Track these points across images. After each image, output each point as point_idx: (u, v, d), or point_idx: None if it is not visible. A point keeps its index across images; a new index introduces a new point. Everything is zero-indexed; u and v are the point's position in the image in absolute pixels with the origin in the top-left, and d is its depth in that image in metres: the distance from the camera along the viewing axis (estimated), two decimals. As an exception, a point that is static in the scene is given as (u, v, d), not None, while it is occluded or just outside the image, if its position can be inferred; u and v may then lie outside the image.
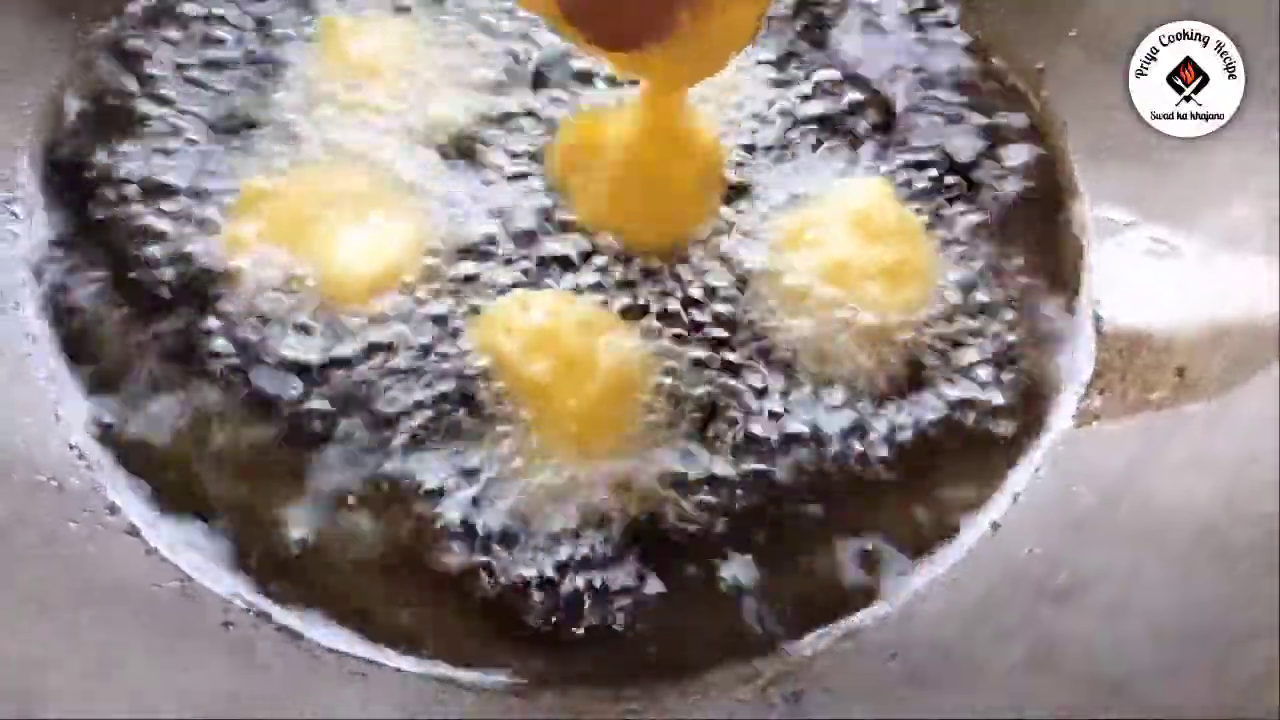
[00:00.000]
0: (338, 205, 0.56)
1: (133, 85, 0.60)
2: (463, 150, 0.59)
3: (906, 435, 0.54)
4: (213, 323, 0.54)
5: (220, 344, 0.54)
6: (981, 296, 0.58)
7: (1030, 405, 0.56)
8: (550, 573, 0.50)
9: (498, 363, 0.53)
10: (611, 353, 0.53)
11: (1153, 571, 0.48)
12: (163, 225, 0.56)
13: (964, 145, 0.62)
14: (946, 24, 0.66)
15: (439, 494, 0.51)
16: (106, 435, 0.52)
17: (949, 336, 0.57)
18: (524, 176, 0.58)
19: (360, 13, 0.62)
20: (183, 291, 0.55)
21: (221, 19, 0.62)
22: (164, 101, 0.59)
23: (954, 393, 0.56)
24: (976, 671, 0.48)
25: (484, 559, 0.50)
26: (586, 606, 0.50)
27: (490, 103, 0.60)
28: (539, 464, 0.52)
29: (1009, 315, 0.58)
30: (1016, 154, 0.63)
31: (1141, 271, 0.59)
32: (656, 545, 0.51)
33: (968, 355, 0.57)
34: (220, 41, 0.61)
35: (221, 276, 0.55)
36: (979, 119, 0.63)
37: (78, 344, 0.54)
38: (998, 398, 0.56)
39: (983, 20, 0.66)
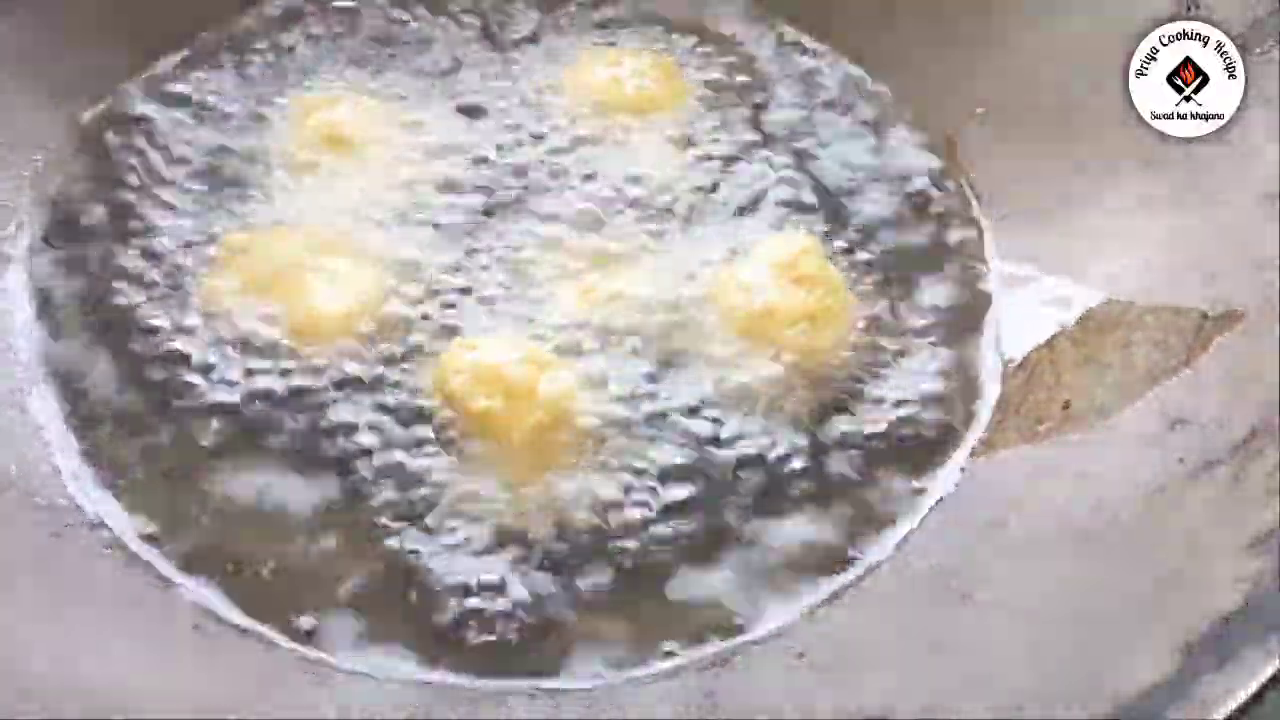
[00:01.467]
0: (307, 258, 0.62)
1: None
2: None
3: (823, 460, 0.59)
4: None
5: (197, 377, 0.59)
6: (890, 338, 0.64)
7: (937, 437, 0.61)
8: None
9: (447, 400, 0.58)
10: (548, 389, 0.58)
11: (1033, 574, 0.53)
12: (149, 273, 0.62)
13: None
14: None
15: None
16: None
17: (863, 373, 0.62)
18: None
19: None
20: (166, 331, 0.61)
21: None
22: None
23: (868, 426, 0.61)
24: (877, 664, 0.52)
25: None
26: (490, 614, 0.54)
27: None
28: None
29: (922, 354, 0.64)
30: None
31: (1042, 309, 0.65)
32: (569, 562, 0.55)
33: (878, 390, 0.62)
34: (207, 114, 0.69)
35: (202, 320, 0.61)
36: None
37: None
38: (908, 429, 0.61)
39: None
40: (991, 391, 0.63)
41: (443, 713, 0.51)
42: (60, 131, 0.67)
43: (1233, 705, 0.40)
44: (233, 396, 0.59)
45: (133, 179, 0.66)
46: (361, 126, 0.67)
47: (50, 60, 0.68)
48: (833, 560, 0.57)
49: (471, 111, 0.70)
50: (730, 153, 0.69)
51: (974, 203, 0.69)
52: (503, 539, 0.55)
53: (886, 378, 0.62)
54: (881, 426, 0.61)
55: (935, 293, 0.66)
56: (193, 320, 0.61)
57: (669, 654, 0.53)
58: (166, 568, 0.54)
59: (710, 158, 0.69)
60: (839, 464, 0.59)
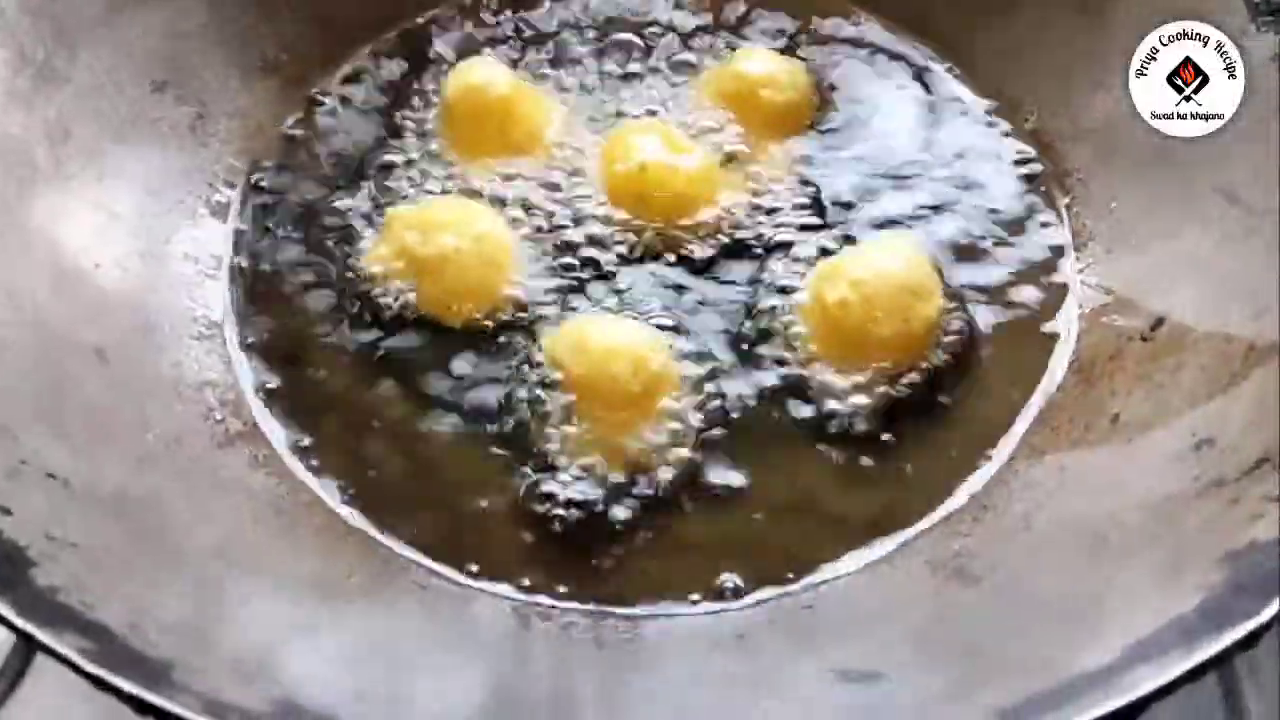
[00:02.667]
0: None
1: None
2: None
3: (882, 442, 0.66)
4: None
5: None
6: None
7: (985, 433, 0.67)
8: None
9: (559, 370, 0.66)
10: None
11: (1041, 564, 0.59)
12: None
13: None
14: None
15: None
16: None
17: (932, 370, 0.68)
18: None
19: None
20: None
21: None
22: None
23: (928, 421, 0.66)
24: (882, 629, 0.59)
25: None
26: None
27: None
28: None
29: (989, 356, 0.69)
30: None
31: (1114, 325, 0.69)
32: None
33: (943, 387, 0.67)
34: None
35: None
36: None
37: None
38: (963, 425, 0.67)
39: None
40: (1051, 398, 0.68)
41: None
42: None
43: (1145, 690, 0.45)
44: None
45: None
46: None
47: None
48: (866, 535, 0.63)
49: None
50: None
51: (1064, 216, 0.73)
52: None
53: (952, 376, 0.68)
54: (940, 423, 0.66)
55: (1014, 297, 0.71)
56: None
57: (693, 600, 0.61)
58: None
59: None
60: (893, 448, 0.65)
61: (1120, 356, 0.67)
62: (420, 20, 0.83)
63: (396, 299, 0.70)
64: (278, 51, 0.79)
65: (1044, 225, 0.74)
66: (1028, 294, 0.71)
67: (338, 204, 0.74)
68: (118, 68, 0.74)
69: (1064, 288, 0.71)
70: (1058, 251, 0.72)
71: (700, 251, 0.71)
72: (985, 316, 0.70)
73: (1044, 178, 0.75)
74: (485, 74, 0.76)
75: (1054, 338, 0.70)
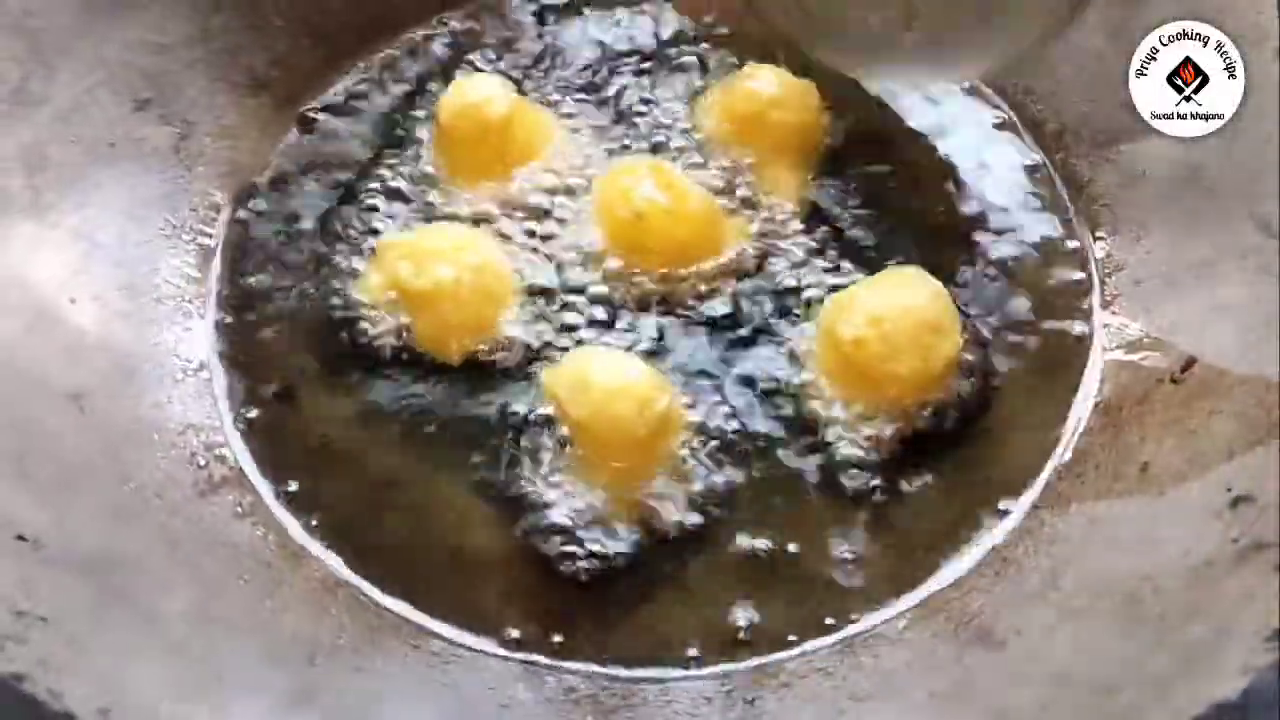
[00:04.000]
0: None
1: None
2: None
3: (895, 488, 0.62)
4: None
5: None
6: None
7: (1007, 480, 0.63)
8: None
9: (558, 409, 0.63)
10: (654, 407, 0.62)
11: (1071, 631, 0.56)
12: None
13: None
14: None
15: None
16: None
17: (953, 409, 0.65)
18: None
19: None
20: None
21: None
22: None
23: (946, 462, 0.63)
24: (902, 694, 0.56)
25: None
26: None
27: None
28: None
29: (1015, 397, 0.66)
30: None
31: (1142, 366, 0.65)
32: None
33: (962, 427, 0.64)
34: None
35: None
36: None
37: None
38: (983, 470, 0.64)
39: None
40: (1076, 443, 0.64)
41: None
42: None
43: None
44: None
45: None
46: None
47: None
48: (884, 590, 0.60)
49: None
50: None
51: (1092, 253, 0.70)
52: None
53: (972, 418, 0.64)
54: (959, 468, 0.63)
55: (1037, 333, 0.68)
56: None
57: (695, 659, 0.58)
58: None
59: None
60: (910, 495, 0.62)
61: (1149, 400, 0.64)
62: (415, 35, 0.79)
63: (389, 333, 0.66)
64: (266, 67, 0.76)
65: (1068, 256, 0.70)
66: (1051, 330, 0.68)
67: (328, 230, 0.71)
68: (98, 85, 0.70)
69: (1089, 324, 0.68)
70: (1083, 285, 0.69)
71: (705, 304, 0.68)
72: (1007, 353, 0.67)
73: (1068, 206, 0.72)
74: (483, 91, 0.72)
75: (1079, 378, 0.66)
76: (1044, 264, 0.70)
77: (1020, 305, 0.69)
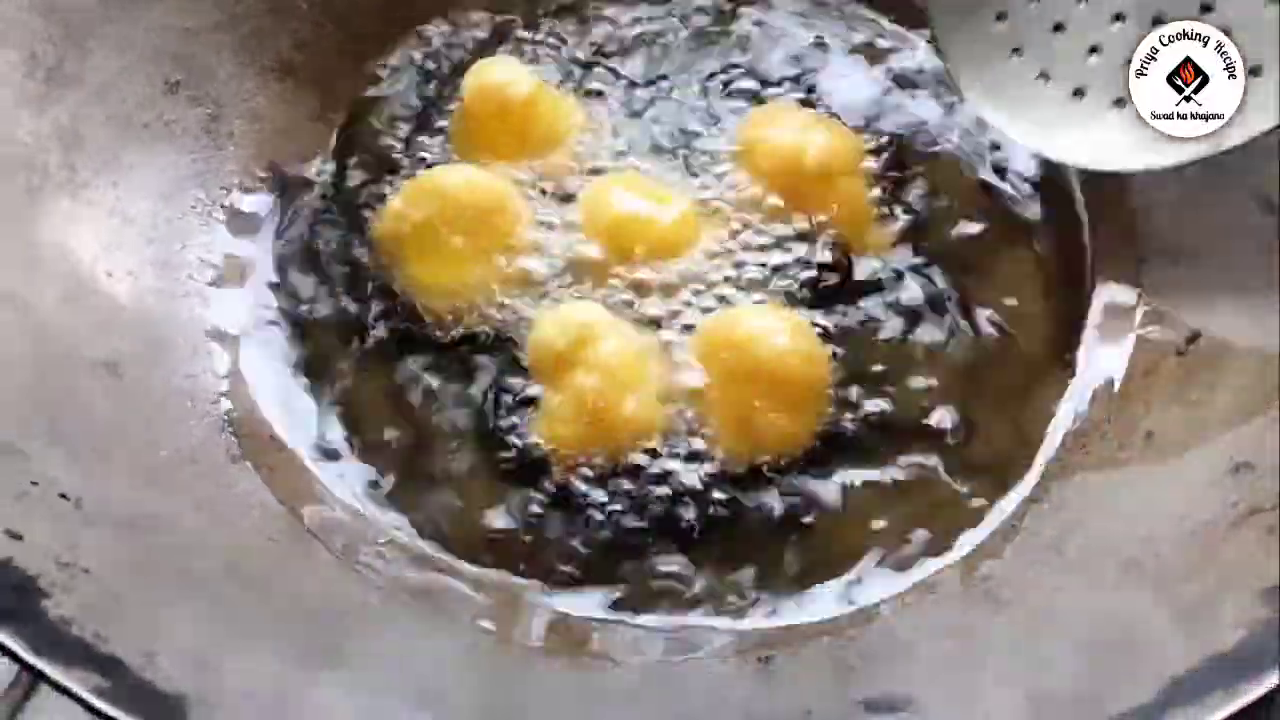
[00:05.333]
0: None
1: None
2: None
3: (902, 459, 0.64)
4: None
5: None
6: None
7: (1015, 449, 0.65)
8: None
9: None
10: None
11: (1073, 593, 0.57)
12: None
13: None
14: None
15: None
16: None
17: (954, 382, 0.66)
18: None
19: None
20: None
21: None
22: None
23: (950, 436, 0.65)
24: (910, 654, 0.58)
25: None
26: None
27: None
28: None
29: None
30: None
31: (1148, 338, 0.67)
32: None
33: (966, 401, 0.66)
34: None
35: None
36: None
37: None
38: (991, 440, 0.65)
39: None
40: (1082, 413, 0.66)
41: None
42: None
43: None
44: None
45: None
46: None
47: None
48: (900, 559, 0.62)
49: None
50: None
51: (1085, 221, 0.72)
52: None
53: (976, 388, 0.66)
54: (964, 436, 0.65)
55: (1046, 308, 0.69)
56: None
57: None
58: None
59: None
60: (918, 464, 0.64)
61: (1155, 372, 0.66)
62: (441, 19, 0.80)
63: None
64: (292, 51, 0.78)
65: (1071, 229, 0.72)
66: (1059, 302, 0.69)
67: (358, 208, 0.73)
68: (130, 67, 0.72)
69: (1096, 297, 0.69)
70: (1089, 260, 0.71)
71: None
72: (1015, 326, 0.68)
73: (1072, 177, 0.73)
74: (505, 73, 0.74)
75: (1086, 350, 0.68)
76: (1050, 238, 0.71)
77: (1027, 278, 0.70)
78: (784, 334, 0.64)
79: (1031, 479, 0.64)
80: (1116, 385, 0.66)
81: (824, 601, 0.60)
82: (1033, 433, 0.65)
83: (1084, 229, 0.72)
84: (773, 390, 0.63)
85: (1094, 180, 0.71)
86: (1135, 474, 0.62)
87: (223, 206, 0.73)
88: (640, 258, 0.68)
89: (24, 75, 0.68)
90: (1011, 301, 0.69)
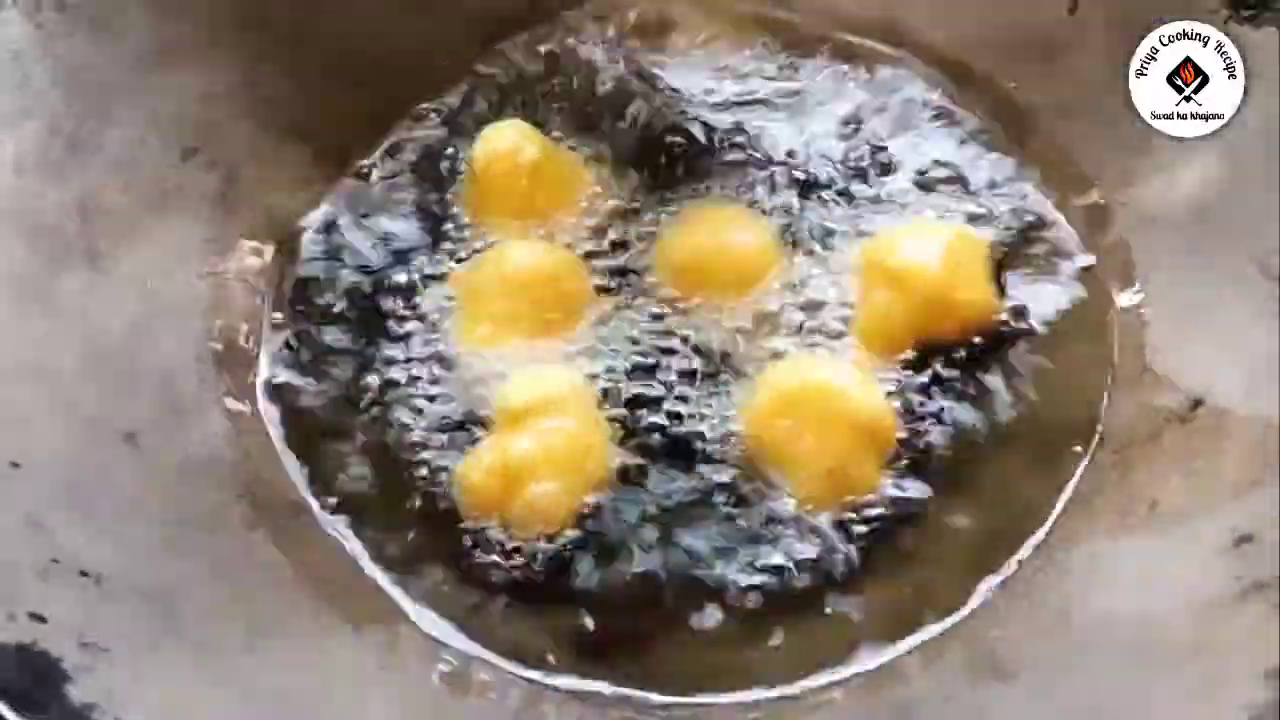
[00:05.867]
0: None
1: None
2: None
3: (902, 525, 0.65)
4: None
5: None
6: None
7: (1019, 515, 0.66)
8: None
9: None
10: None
11: (1079, 668, 0.58)
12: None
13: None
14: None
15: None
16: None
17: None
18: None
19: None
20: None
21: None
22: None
23: (955, 506, 0.66)
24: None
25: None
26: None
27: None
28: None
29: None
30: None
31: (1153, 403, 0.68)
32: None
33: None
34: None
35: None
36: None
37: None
38: (995, 506, 0.66)
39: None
40: (1087, 480, 0.67)
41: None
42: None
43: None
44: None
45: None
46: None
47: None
48: (899, 625, 0.62)
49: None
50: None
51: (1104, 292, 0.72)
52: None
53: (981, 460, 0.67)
54: (972, 502, 0.66)
55: (1050, 373, 0.70)
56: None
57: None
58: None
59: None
60: (923, 530, 0.65)
61: (1158, 439, 0.66)
62: (464, 87, 0.81)
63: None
64: (308, 116, 0.79)
65: (1076, 294, 0.72)
66: (1062, 367, 0.70)
67: (374, 278, 0.74)
68: (148, 135, 0.74)
69: (1101, 361, 0.70)
70: (1094, 324, 0.71)
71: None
72: (1019, 390, 0.69)
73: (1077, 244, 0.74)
74: (511, 137, 0.75)
75: (1090, 414, 0.68)
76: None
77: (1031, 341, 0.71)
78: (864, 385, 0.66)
79: (1033, 544, 0.65)
80: (1121, 452, 0.67)
81: (823, 671, 0.61)
82: (1036, 499, 0.66)
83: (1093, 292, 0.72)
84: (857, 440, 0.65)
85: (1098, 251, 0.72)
86: (1140, 543, 0.63)
87: (237, 274, 0.74)
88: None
89: (45, 146, 0.69)
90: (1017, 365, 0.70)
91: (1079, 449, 0.68)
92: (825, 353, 0.69)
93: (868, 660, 0.61)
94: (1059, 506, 0.66)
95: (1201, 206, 0.70)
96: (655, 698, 0.61)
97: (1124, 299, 0.71)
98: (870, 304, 0.69)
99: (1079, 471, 0.67)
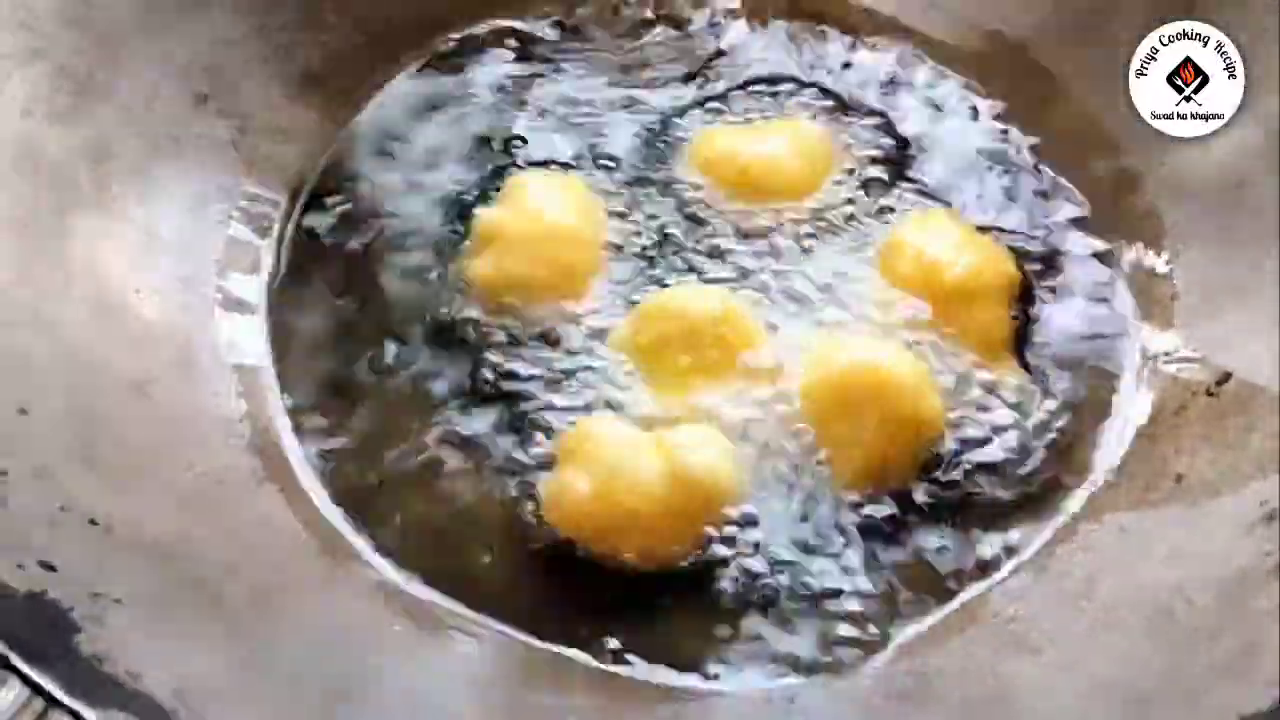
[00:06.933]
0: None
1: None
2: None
3: (931, 499, 0.64)
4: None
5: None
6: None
7: (1042, 488, 0.65)
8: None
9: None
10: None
11: (1105, 641, 0.57)
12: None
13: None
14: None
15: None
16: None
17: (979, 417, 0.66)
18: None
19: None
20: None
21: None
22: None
23: (980, 474, 0.65)
24: (939, 699, 0.58)
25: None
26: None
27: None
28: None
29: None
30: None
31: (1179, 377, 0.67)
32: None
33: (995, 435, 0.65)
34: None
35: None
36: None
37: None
38: (1018, 480, 0.65)
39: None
40: (1111, 452, 0.66)
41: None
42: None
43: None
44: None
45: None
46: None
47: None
48: (927, 598, 0.62)
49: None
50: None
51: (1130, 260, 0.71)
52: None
53: (1006, 426, 0.66)
54: (998, 475, 0.65)
55: (1076, 343, 0.69)
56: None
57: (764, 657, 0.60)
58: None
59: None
60: (946, 505, 0.64)
61: (1185, 413, 0.65)
62: (473, 32, 0.80)
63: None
64: (321, 64, 0.77)
65: (1107, 268, 0.71)
66: (1091, 342, 0.69)
67: (384, 227, 0.72)
68: (159, 81, 0.72)
69: (1128, 337, 0.69)
70: (1123, 298, 0.70)
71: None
72: (1046, 364, 0.68)
73: (1107, 218, 0.72)
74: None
75: (1117, 388, 0.68)
76: (1084, 276, 0.71)
77: (1060, 315, 0.70)
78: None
79: (1058, 518, 0.64)
80: (1148, 425, 0.66)
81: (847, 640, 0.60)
82: (1062, 473, 0.65)
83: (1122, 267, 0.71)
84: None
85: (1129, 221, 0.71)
86: (1166, 517, 0.62)
87: (249, 223, 0.73)
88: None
89: (54, 90, 0.68)
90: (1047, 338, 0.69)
91: (1105, 424, 0.67)
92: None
93: (891, 633, 0.60)
94: (1085, 481, 0.65)
95: (1238, 179, 0.68)
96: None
97: (1154, 263, 0.70)
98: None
99: (1106, 446, 0.66)
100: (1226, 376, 0.65)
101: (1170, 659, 0.54)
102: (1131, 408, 0.67)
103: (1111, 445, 0.66)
